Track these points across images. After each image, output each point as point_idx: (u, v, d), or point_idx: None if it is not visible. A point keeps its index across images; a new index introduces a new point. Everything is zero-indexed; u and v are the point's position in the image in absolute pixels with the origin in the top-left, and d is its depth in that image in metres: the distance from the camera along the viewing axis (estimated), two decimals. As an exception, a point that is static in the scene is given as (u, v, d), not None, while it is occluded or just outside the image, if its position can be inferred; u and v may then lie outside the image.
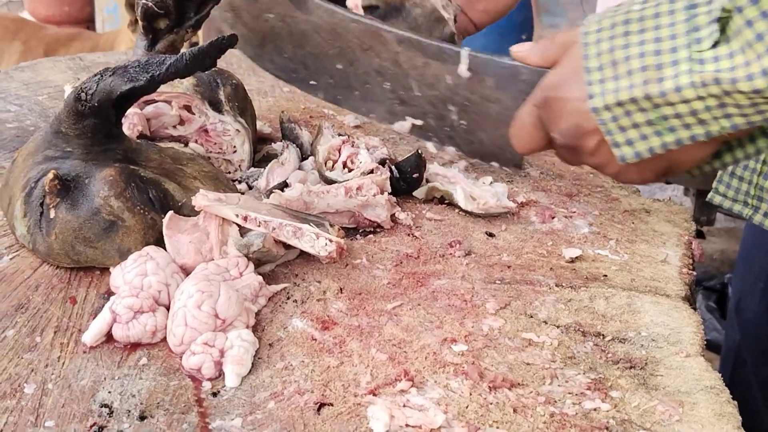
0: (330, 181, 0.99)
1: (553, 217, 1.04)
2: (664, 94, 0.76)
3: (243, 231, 0.87)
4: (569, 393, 0.73)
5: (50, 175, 0.85)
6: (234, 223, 0.86)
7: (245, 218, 0.85)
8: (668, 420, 0.70)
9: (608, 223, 1.04)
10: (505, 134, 0.95)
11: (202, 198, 0.85)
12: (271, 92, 1.37)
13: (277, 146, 1.10)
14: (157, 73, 0.83)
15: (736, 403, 0.72)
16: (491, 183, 1.08)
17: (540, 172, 1.17)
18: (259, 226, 0.85)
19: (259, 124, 1.17)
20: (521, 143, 0.93)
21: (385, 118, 1.10)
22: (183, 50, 0.86)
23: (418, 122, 1.07)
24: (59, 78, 1.36)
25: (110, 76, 0.85)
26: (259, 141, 1.16)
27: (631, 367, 0.77)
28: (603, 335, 0.81)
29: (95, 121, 0.88)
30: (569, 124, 0.84)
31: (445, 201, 1.05)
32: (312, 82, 1.13)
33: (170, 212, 0.86)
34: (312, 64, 1.12)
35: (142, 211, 0.86)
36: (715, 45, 0.73)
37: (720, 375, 0.76)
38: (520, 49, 0.93)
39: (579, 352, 0.79)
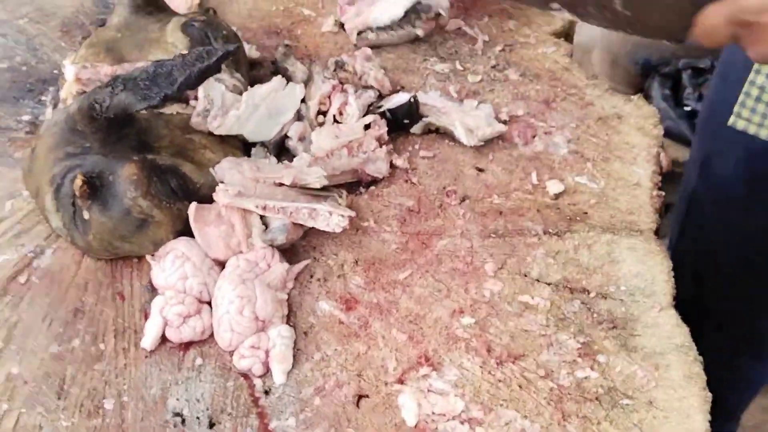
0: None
1: (534, 136, 1.13)
2: None
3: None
4: (564, 362, 0.87)
5: (78, 181, 0.92)
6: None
7: (264, 207, 0.94)
8: (646, 386, 0.85)
9: (584, 137, 1.13)
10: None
11: (224, 195, 0.93)
12: (247, -12, 1.38)
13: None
14: (169, 92, 0.87)
15: (701, 359, 0.87)
16: (477, 105, 1.15)
17: (520, 74, 1.23)
18: (278, 213, 0.94)
19: (246, 47, 1.20)
20: (708, 39, 0.85)
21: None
22: (189, 51, 0.90)
23: None
24: (31, -13, 1.35)
25: (122, 90, 0.89)
26: (250, 66, 1.19)
27: (613, 327, 0.90)
28: (588, 291, 0.94)
29: (110, 121, 0.93)
30: None
31: (438, 130, 1.12)
32: None
33: (194, 204, 0.94)
34: None
35: (168, 205, 0.93)
36: None
37: (688, 330, 0.90)
38: None
39: (568, 312, 0.92)
